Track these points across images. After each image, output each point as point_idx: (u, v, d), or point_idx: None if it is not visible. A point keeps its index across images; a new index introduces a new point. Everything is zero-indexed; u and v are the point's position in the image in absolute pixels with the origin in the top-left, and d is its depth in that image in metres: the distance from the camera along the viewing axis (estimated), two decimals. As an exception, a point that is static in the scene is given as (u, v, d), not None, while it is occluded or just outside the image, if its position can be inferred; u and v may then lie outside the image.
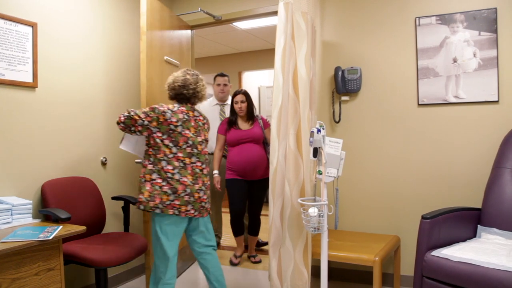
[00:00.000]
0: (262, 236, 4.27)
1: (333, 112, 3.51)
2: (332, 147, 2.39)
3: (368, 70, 3.39)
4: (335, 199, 2.58)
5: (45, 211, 2.65)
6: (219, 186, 3.78)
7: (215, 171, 3.77)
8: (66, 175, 3.00)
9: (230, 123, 3.82)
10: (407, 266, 3.18)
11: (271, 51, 2.82)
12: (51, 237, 2.18)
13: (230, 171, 3.76)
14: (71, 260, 2.59)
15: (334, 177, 2.41)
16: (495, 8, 2.96)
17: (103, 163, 3.34)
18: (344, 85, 3.40)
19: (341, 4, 3.49)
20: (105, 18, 3.38)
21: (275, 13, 3.62)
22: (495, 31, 2.97)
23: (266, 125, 3.84)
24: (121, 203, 3.19)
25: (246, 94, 3.81)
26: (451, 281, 2.30)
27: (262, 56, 7.01)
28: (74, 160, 3.11)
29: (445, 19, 3.11)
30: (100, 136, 3.29)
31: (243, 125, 3.80)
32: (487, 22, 2.99)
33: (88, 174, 3.18)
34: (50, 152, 2.92)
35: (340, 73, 3.39)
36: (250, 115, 3.83)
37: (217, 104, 4.39)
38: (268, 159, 3.60)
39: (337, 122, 3.50)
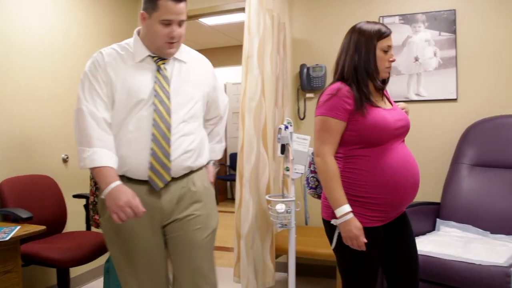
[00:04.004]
0: (225, 233, 4.05)
1: (298, 109, 3.54)
2: (300, 143, 2.41)
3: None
4: (303, 195, 2.61)
5: (4, 211, 2.54)
6: (365, 240, 1.69)
7: (349, 207, 1.70)
8: (25, 173, 2.89)
9: (368, 93, 1.74)
10: (370, 260, 3.25)
11: (238, 47, 2.82)
12: (7, 238, 2.09)
13: (359, 208, 1.72)
14: (31, 261, 2.51)
15: (302, 173, 2.43)
16: (454, 10, 3.07)
17: (65, 161, 3.24)
18: (309, 82, 3.44)
19: (308, 2, 3.52)
20: (70, 11, 3.27)
21: (242, 9, 3.63)
22: (454, 31, 3.07)
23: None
24: (83, 201, 3.10)
25: None
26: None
27: (229, 52, 6.97)
28: (34, 157, 2.99)
29: (407, 19, 3.19)
30: (62, 132, 3.18)
31: (375, 99, 1.79)
32: (447, 23, 3.09)
33: (49, 172, 3.07)
34: (8, 150, 2.80)
35: (305, 70, 3.42)
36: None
37: (149, 56, 1.75)
38: None
39: (302, 119, 3.53)
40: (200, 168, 1.85)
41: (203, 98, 1.86)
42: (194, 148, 1.77)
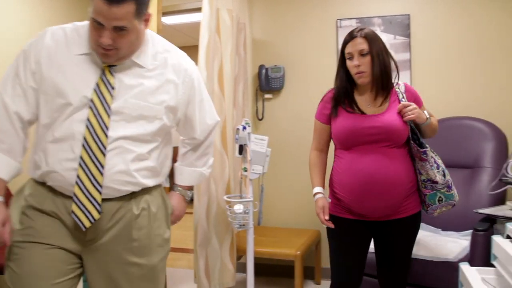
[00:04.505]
0: (185, 234, 4.12)
1: (257, 110, 3.55)
2: (258, 144, 2.42)
3: (292, 68, 3.47)
4: (260, 196, 2.61)
5: None
6: (326, 218, 1.95)
7: (318, 188, 2.01)
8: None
9: (339, 98, 1.93)
10: (327, 259, 3.28)
11: (197, 47, 2.79)
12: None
13: (334, 199, 1.99)
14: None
15: (260, 174, 2.44)
16: (409, 15, 3.17)
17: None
18: (267, 83, 3.45)
19: (268, 3, 3.54)
20: None
21: (200, 9, 3.61)
22: (408, 35, 3.17)
23: (419, 102, 1.96)
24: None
25: (369, 36, 1.86)
26: (367, 271, 2.43)
27: (188, 52, 6.80)
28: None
29: (364, 22, 3.27)
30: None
31: (367, 103, 1.91)
32: (402, 27, 3.18)
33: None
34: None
35: (263, 71, 3.44)
36: (383, 82, 1.88)
37: (87, 54, 1.39)
38: (415, 178, 1.94)
39: (260, 120, 3.54)
40: (149, 189, 1.47)
41: (166, 113, 1.45)
42: (138, 168, 1.40)
